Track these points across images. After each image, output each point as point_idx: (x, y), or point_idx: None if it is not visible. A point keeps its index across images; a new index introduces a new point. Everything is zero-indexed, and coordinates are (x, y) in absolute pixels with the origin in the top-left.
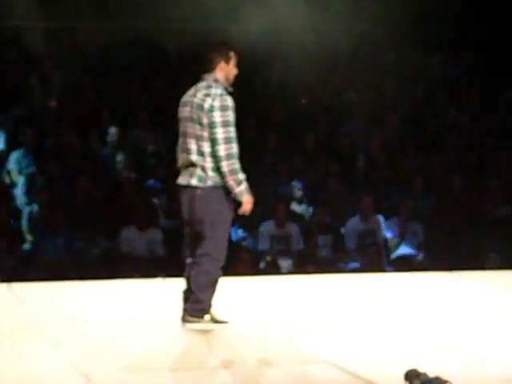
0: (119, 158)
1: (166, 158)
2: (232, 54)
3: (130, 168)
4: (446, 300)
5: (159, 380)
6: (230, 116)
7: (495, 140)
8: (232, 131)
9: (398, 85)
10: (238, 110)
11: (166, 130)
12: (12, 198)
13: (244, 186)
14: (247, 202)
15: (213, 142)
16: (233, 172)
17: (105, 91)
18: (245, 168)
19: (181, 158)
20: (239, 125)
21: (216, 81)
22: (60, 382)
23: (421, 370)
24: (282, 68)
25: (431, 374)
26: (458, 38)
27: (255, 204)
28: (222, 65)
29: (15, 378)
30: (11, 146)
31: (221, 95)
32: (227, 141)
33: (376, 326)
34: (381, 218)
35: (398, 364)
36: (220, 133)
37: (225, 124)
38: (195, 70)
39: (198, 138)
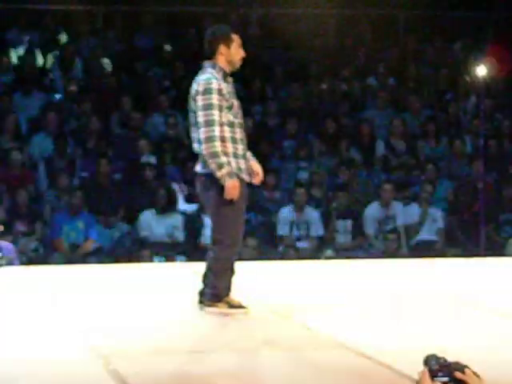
0: (139, 142)
1: (185, 142)
2: (234, 36)
3: (149, 153)
4: (467, 285)
5: (177, 362)
6: (213, 99)
7: None
8: (214, 114)
9: (419, 70)
10: (258, 96)
11: (186, 114)
12: (33, 181)
13: (226, 170)
14: (230, 187)
15: (196, 126)
16: (213, 155)
17: (126, 76)
18: (264, 153)
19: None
20: (256, 110)
21: (213, 66)
22: (80, 365)
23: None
24: (302, 54)
25: (451, 358)
26: (480, 23)
27: (275, 188)
28: (223, 49)
29: (34, 361)
30: (33, 130)
31: (206, 79)
32: (207, 124)
33: (394, 310)
34: (400, 204)
35: (418, 349)
36: (201, 116)
37: (206, 107)
38: None
39: (196, 126)
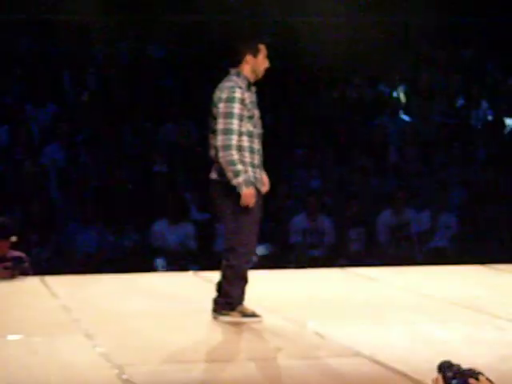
0: (152, 151)
1: (197, 151)
2: (261, 46)
3: (162, 161)
4: (481, 292)
5: (191, 372)
6: (235, 108)
7: None
8: (234, 123)
9: (432, 77)
10: (270, 104)
11: (199, 124)
12: (46, 191)
13: (242, 178)
14: (246, 195)
15: (215, 133)
16: (230, 163)
17: (138, 85)
18: (276, 161)
19: (209, 153)
20: (269, 118)
21: (238, 74)
22: (93, 373)
23: (455, 362)
24: (314, 61)
25: (465, 365)
26: (492, 30)
27: (287, 197)
28: (249, 58)
29: (48, 370)
30: (46, 139)
31: (231, 87)
32: (226, 132)
33: (408, 317)
34: (413, 211)
35: (432, 356)
36: (220, 123)
37: (227, 115)
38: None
39: (214, 132)
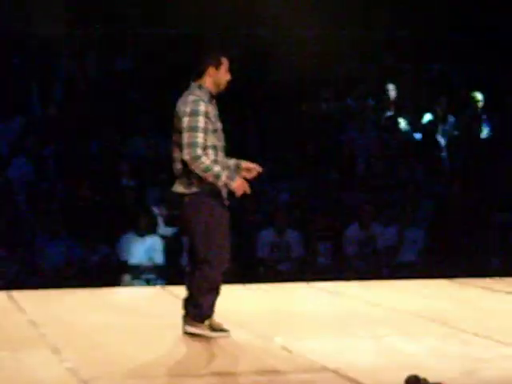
0: (119, 165)
1: (166, 165)
2: (223, 59)
3: (129, 176)
4: (447, 306)
5: None
6: (200, 122)
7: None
8: (199, 136)
9: (398, 90)
10: (237, 118)
11: (167, 137)
12: (13, 204)
13: (225, 175)
14: (239, 185)
15: (179, 146)
16: (205, 169)
17: (105, 98)
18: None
19: (173, 167)
20: (235, 132)
21: (200, 87)
22: None
23: (421, 375)
24: (282, 74)
25: (432, 379)
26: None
27: (255, 211)
28: (211, 71)
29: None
30: (13, 152)
31: (195, 101)
32: (191, 145)
33: (375, 332)
34: (380, 225)
35: (399, 370)
36: (185, 138)
37: (191, 129)
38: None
39: (179, 146)
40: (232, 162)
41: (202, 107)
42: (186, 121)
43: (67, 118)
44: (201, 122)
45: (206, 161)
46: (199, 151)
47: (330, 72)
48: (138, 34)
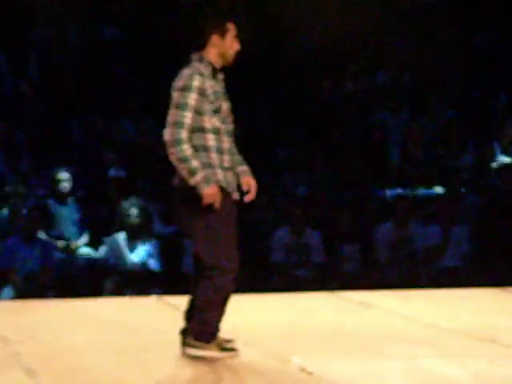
0: (105, 153)
1: (160, 152)
2: (229, 25)
3: (118, 165)
4: (497, 320)
5: None
6: (190, 99)
7: None
8: (186, 116)
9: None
10: (246, 96)
11: (161, 120)
12: None
13: (200, 176)
14: (208, 195)
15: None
16: (182, 160)
17: (89, 74)
18: (254, 164)
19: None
20: (245, 112)
21: (201, 59)
22: None
23: None
24: (299, 45)
25: None
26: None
27: (268, 207)
28: (215, 39)
29: None
30: None
31: (190, 75)
32: (175, 124)
33: (411, 352)
34: (418, 223)
35: None
36: (171, 114)
37: (178, 106)
38: None
39: None
40: (242, 168)
41: (197, 82)
42: (174, 96)
43: (43, 96)
44: (191, 98)
45: (186, 150)
46: (183, 134)
47: (356, 42)
48: None
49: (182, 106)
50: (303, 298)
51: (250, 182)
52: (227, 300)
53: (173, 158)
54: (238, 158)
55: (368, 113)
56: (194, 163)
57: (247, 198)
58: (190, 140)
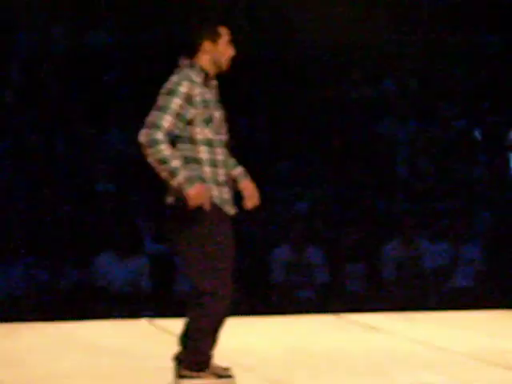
0: (94, 166)
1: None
2: (222, 30)
3: (107, 179)
4: (506, 344)
5: None
6: (173, 103)
7: None
8: (166, 119)
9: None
10: (244, 105)
11: None
12: None
13: (182, 176)
14: (192, 195)
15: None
16: (161, 161)
17: (75, 81)
18: (253, 178)
19: None
20: (241, 123)
21: (191, 66)
22: None
23: None
24: (301, 50)
25: None
26: None
27: (267, 223)
28: (207, 45)
29: None
30: None
31: (178, 80)
32: (151, 126)
33: (420, 378)
34: (427, 241)
35: None
36: (149, 115)
37: (160, 108)
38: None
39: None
40: (237, 170)
41: (184, 88)
42: (158, 99)
43: (27, 106)
44: (174, 103)
45: (165, 150)
46: (159, 135)
47: (362, 47)
48: (117, 1)
49: (162, 109)
50: (305, 320)
51: (249, 186)
52: (221, 326)
53: (150, 160)
54: (232, 160)
55: (373, 122)
56: (174, 163)
57: (249, 204)
58: (177, 149)
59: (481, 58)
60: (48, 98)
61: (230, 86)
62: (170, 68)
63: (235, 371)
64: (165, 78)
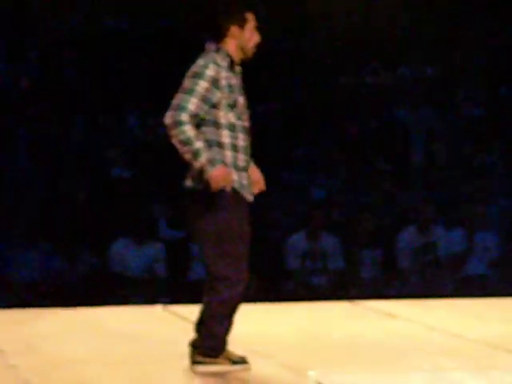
0: (109, 151)
1: (168, 151)
2: (249, 15)
3: (123, 165)
4: None
5: None
6: (200, 86)
7: None
8: (192, 102)
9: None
10: (261, 91)
11: None
12: None
13: (205, 158)
14: (215, 177)
15: None
16: (185, 142)
17: (92, 67)
18: (269, 164)
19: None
20: (259, 109)
21: (218, 50)
22: None
23: None
24: (316, 37)
25: None
26: None
27: (283, 210)
28: (234, 30)
29: None
30: None
31: (204, 63)
32: (177, 108)
33: (437, 365)
34: (443, 228)
35: None
36: (176, 98)
37: (185, 91)
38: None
39: None
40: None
41: (210, 71)
42: (184, 82)
43: (43, 91)
44: (201, 86)
45: (189, 131)
46: (185, 117)
47: (376, 34)
48: None
49: (189, 91)
50: (320, 307)
51: (255, 172)
52: (235, 312)
53: (174, 141)
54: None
55: (388, 109)
56: (198, 144)
57: (256, 189)
58: (200, 131)
59: (499, 44)
60: (65, 84)
61: (249, 73)
62: (188, 53)
63: (250, 358)
64: (183, 63)
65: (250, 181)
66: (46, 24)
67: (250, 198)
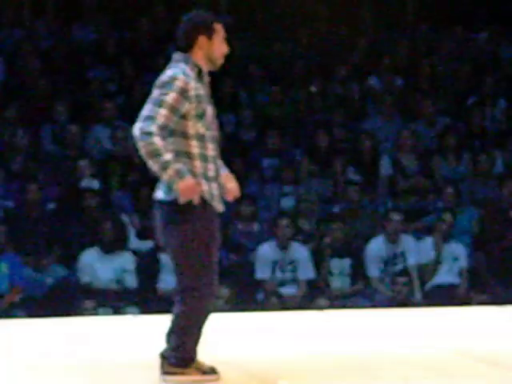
0: (78, 161)
1: (138, 161)
2: (217, 26)
3: (91, 175)
4: (498, 342)
5: None
6: (170, 97)
7: None
8: (162, 113)
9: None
10: (229, 101)
11: None
12: None
13: (173, 170)
14: (184, 189)
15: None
16: (153, 153)
17: (60, 77)
18: (238, 174)
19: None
20: (227, 119)
21: (186, 60)
22: None
23: None
24: (286, 47)
25: None
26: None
27: (252, 220)
28: (202, 41)
29: None
30: None
31: (173, 74)
32: (146, 119)
33: (406, 374)
34: (411, 238)
35: None
36: (145, 109)
37: (154, 102)
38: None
39: None
40: (224, 172)
41: (180, 82)
42: (153, 93)
43: (10, 101)
44: (170, 97)
45: (157, 143)
46: (154, 128)
47: (347, 44)
48: None
49: (158, 103)
50: (289, 317)
51: (229, 179)
52: (203, 323)
53: (143, 153)
54: (219, 161)
55: (358, 119)
56: (167, 156)
57: (230, 197)
58: (169, 142)
59: (466, 55)
60: (32, 93)
61: (215, 83)
62: (157, 64)
63: (220, 368)
64: (151, 74)
65: (222, 190)
66: (12, 33)
67: (220, 208)
